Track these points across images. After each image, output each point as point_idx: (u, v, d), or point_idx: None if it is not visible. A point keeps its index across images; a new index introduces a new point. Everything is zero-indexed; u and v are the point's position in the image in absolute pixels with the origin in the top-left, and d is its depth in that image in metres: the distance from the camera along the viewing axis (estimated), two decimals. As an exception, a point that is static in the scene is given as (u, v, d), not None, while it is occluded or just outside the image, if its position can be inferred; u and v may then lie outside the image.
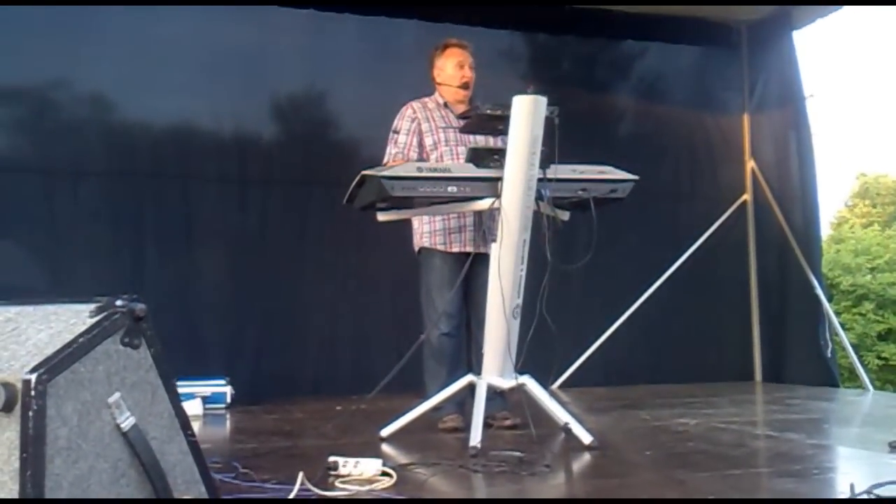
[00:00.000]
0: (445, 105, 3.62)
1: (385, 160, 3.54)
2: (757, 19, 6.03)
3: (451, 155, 3.51)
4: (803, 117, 5.73)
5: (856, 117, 37.09)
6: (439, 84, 3.66)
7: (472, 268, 3.32)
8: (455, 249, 3.50)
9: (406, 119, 3.58)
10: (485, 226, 3.42)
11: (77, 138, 4.83)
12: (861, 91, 38.24)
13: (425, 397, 3.34)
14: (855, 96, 36.02)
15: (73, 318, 1.63)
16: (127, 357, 1.65)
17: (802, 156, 5.69)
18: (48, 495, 1.46)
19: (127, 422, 1.62)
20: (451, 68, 3.62)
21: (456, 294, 3.43)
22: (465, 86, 3.58)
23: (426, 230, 3.55)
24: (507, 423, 3.43)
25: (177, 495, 1.68)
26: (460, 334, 3.53)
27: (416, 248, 3.62)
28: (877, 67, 40.06)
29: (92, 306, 1.65)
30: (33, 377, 1.46)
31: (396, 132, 3.57)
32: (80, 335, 1.56)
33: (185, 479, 1.73)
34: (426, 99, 3.66)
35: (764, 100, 6.06)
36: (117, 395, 1.62)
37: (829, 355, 5.40)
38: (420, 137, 3.56)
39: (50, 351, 1.53)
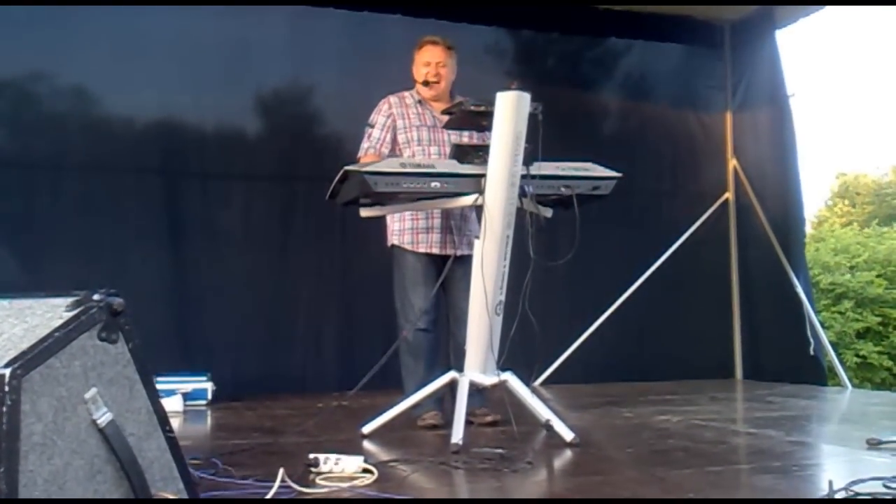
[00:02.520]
0: (420, 102, 3.62)
1: (358, 155, 3.56)
2: (740, 18, 6.06)
3: (422, 154, 3.52)
4: (787, 116, 5.74)
5: (836, 117, 37.41)
6: (415, 81, 3.66)
7: (453, 270, 3.33)
8: (421, 250, 3.51)
9: (382, 114, 3.58)
10: (454, 228, 3.46)
11: (58, 132, 4.77)
12: (841, 90, 38.59)
13: (403, 392, 3.33)
14: (835, 96, 36.38)
15: (49, 313, 1.61)
16: (104, 352, 1.63)
17: (786, 154, 5.72)
18: (22, 492, 1.43)
19: (103, 418, 1.60)
20: (419, 65, 3.60)
21: (430, 290, 3.43)
22: (424, 83, 3.56)
23: (396, 228, 3.56)
24: (488, 419, 3.43)
25: (154, 492, 1.67)
26: (436, 330, 3.53)
27: (389, 244, 3.62)
28: (857, 67, 40.46)
29: (68, 300, 1.63)
30: (7, 372, 1.44)
31: (371, 126, 3.58)
32: (56, 329, 1.54)
33: (162, 476, 1.72)
34: (405, 93, 3.65)
35: (747, 98, 6.09)
36: (94, 390, 1.59)
37: (813, 353, 5.42)
38: (394, 133, 3.56)
39: (25, 345, 1.50)
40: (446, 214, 3.47)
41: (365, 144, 3.57)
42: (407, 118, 3.57)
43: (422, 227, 3.51)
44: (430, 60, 3.58)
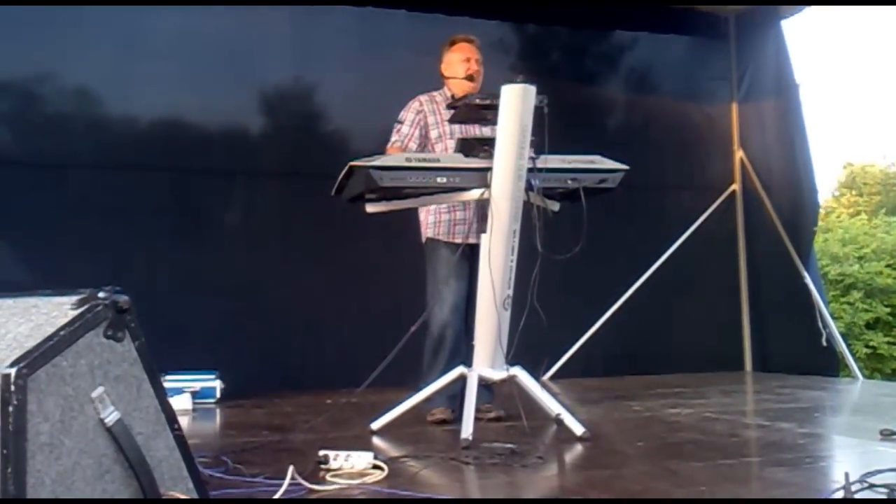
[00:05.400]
0: (452, 98, 3.61)
1: (386, 148, 3.57)
2: (745, 9, 6.02)
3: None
4: (795, 105, 5.71)
5: (842, 106, 37.20)
6: (447, 78, 3.67)
7: (476, 259, 3.31)
8: (459, 240, 3.48)
9: (412, 111, 3.61)
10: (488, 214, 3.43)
11: (64, 132, 4.78)
12: (847, 80, 38.36)
13: (419, 386, 3.31)
14: (841, 85, 36.17)
15: (54, 311, 1.60)
16: (110, 350, 1.62)
17: (794, 144, 5.68)
18: (30, 492, 1.42)
19: (111, 416, 1.59)
20: (457, 62, 3.63)
21: (462, 285, 3.42)
22: (469, 77, 3.58)
23: (432, 221, 3.57)
24: (492, 415, 3.42)
25: (163, 491, 1.65)
26: (463, 326, 3.51)
27: (423, 239, 3.62)
28: (863, 56, 40.22)
29: (74, 298, 1.61)
30: (13, 371, 1.42)
31: (400, 122, 3.61)
32: (62, 328, 1.53)
33: (171, 475, 1.71)
34: (435, 93, 3.67)
35: (752, 89, 6.06)
36: (101, 389, 1.58)
37: (826, 343, 5.39)
38: (425, 130, 3.58)
39: (30, 344, 1.49)
40: (480, 204, 3.36)
41: (393, 138, 3.59)
42: (438, 114, 3.59)
43: (459, 219, 3.52)
44: (470, 56, 3.63)
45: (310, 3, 5.14)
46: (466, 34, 3.71)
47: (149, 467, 1.63)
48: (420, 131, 3.58)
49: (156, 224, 4.87)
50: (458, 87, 3.61)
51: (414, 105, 3.62)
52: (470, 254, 3.33)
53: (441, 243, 3.53)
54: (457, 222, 3.52)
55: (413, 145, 3.55)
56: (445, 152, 3.47)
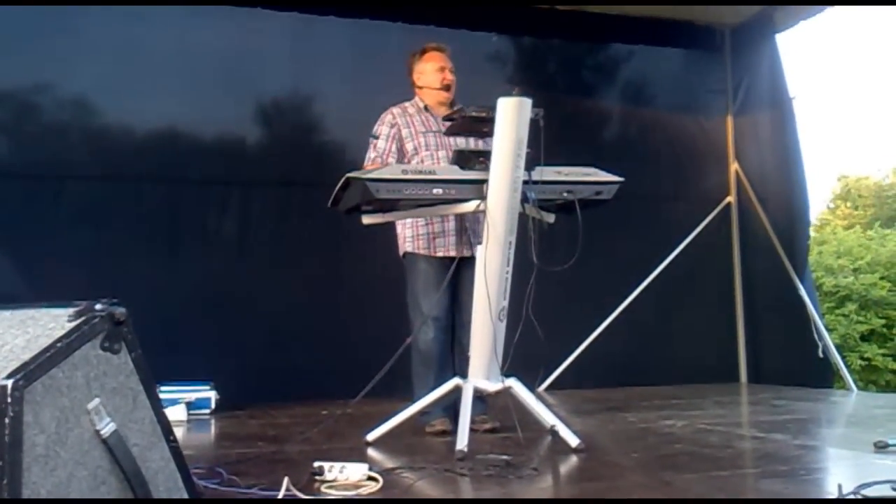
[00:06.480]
0: (426, 109, 3.61)
1: (364, 165, 3.55)
2: (740, 22, 6.06)
3: (431, 159, 3.51)
4: (790, 118, 5.73)
5: (837, 119, 37.40)
6: (420, 88, 3.66)
7: (458, 271, 3.32)
8: (440, 254, 3.49)
9: (386, 125, 3.58)
10: (469, 229, 3.44)
11: (60, 142, 4.79)
12: (842, 93, 38.58)
13: (413, 401, 3.32)
14: (836, 98, 36.37)
15: (51, 323, 1.60)
16: (107, 362, 1.62)
17: (788, 157, 5.70)
18: (26, 504, 1.43)
19: (107, 428, 1.59)
20: (432, 72, 3.61)
21: (443, 297, 3.42)
22: (446, 87, 3.58)
23: (409, 234, 3.54)
24: (486, 426, 3.41)
25: (158, 502, 1.66)
26: (448, 338, 3.51)
27: (401, 253, 3.60)
28: (857, 69, 40.47)
29: (71, 310, 1.62)
30: (9, 383, 1.43)
31: (376, 137, 3.57)
32: (58, 340, 1.53)
33: (167, 486, 1.71)
34: (406, 104, 3.65)
35: (747, 102, 6.09)
36: (97, 400, 1.59)
37: (822, 355, 5.40)
38: (400, 143, 3.55)
39: (27, 356, 1.50)
40: (460, 217, 3.43)
41: (371, 154, 3.55)
42: (412, 126, 3.56)
43: (437, 231, 3.49)
44: (444, 65, 3.61)
45: (306, 11, 5.16)
46: (438, 43, 3.69)
47: (144, 478, 1.64)
48: (396, 144, 3.54)
49: (152, 235, 4.88)
50: (432, 97, 3.60)
51: (387, 118, 3.58)
52: (451, 266, 3.33)
53: (420, 257, 3.51)
54: (436, 235, 3.50)
55: (392, 160, 3.50)
56: (422, 164, 3.45)
